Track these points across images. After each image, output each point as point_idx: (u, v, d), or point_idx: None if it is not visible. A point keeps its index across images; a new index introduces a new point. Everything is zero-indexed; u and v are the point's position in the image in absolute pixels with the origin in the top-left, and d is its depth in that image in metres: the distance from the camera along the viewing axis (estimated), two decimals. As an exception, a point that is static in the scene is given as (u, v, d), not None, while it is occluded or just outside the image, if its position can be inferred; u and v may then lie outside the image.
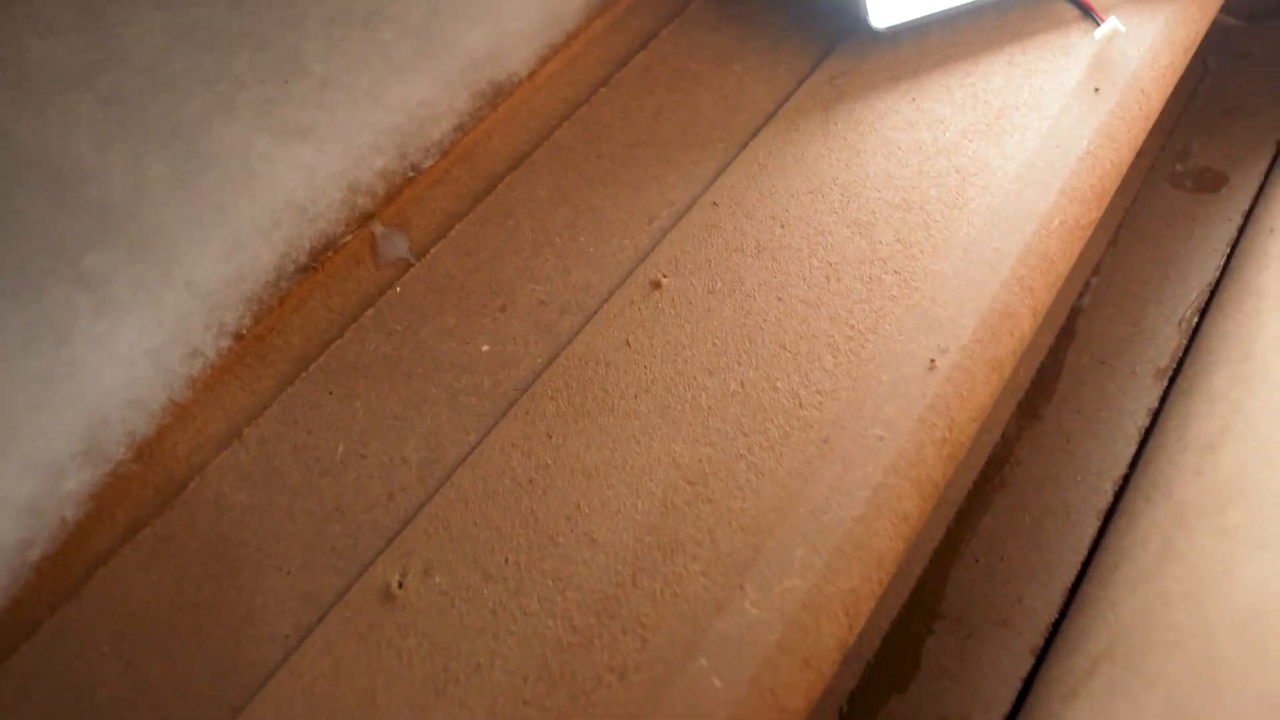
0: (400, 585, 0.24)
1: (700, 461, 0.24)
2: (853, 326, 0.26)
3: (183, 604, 0.24)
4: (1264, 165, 0.35)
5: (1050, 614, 0.26)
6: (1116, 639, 0.22)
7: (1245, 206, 0.34)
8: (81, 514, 0.24)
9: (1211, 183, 0.36)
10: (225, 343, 0.27)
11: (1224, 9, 0.43)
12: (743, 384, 0.26)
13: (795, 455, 0.24)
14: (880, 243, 0.28)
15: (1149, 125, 0.31)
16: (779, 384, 0.25)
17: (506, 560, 0.23)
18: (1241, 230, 0.33)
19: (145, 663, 0.23)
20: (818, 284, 0.27)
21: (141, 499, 0.26)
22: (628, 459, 0.25)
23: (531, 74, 0.33)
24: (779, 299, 0.27)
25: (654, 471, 0.24)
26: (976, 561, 0.26)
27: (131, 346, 0.25)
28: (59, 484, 0.24)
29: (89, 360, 0.24)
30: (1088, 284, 0.36)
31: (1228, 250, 0.33)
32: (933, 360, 0.25)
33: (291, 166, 0.27)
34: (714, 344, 0.26)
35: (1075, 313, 0.35)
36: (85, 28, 0.30)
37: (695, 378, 0.26)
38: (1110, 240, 0.37)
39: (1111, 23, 0.31)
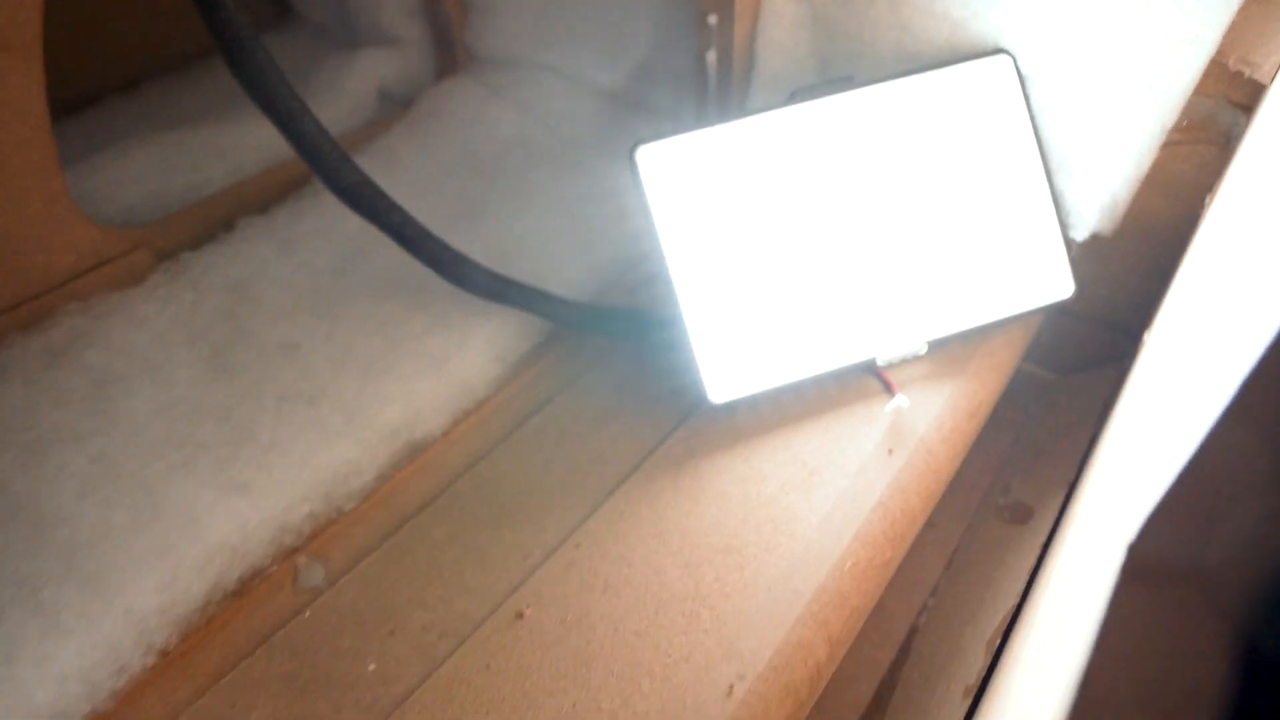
0: None
1: (530, 779, 0.28)
2: (670, 655, 0.31)
3: None
4: (1059, 502, 0.42)
5: None
6: None
7: (1043, 539, 0.40)
8: (-10, 824, 0.28)
9: (1022, 516, 0.43)
10: (151, 659, 0.32)
11: (1040, 364, 0.53)
12: (574, 705, 0.30)
13: (603, 774, 0.28)
14: (703, 582, 0.33)
15: (940, 480, 0.38)
16: (603, 705, 0.30)
17: None
18: (1038, 560, 0.39)
19: None
20: (647, 617, 0.32)
21: (46, 810, 0.29)
22: (468, 776, 0.29)
23: (444, 434, 0.41)
24: (615, 630, 0.32)
25: (489, 788, 0.28)
26: None
27: (66, 666, 0.30)
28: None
29: (27, 678, 0.29)
30: (925, 605, 0.41)
31: (1029, 576, 0.39)
32: (731, 686, 0.30)
33: (227, 516, 0.34)
34: (556, 669, 0.31)
35: (913, 631, 0.40)
36: (91, 398, 0.39)
37: (537, 699, 0.30)
38: (946, 565, 0.42)
39: (898, 398, 0.39)
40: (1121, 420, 0.35)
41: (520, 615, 0.33)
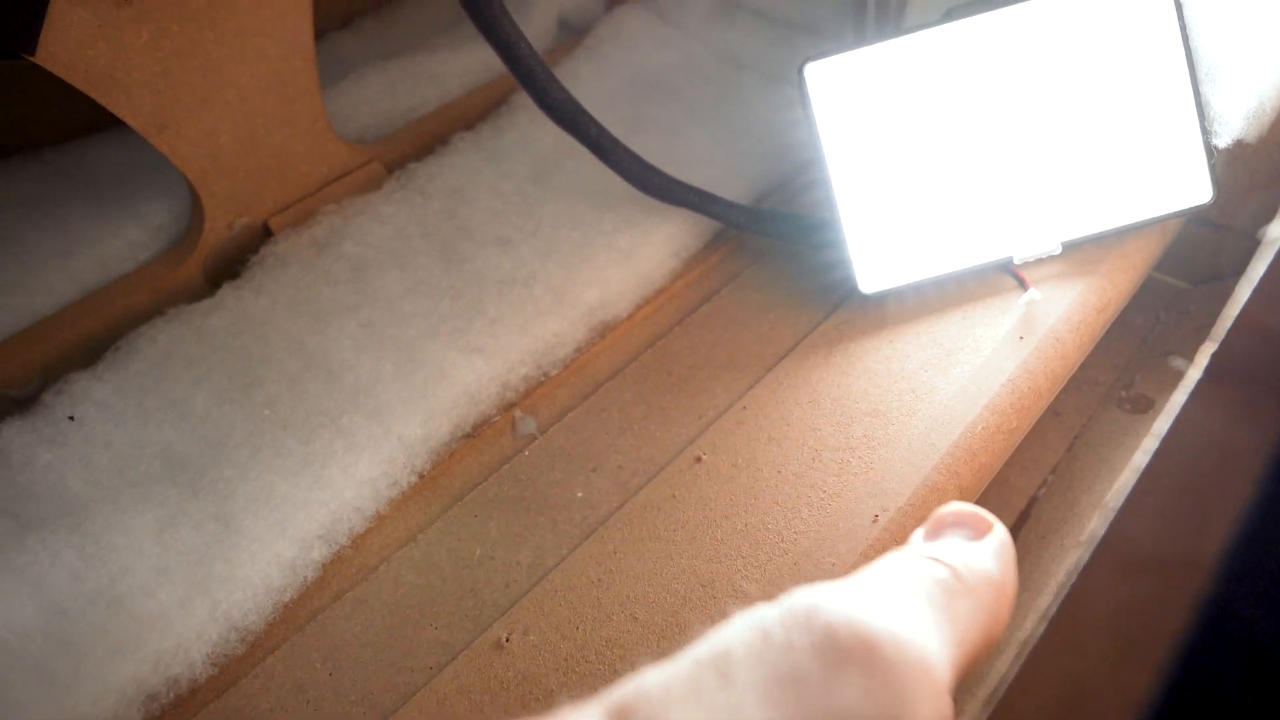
0: (508, 640, 0.36)
1: (712, 574, 0.36)
2: (824, 491, 0.38)
3: (367, 641, 0.37)
4: (1178, 396, 0.45)
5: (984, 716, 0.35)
6: None
7: (1165, 426, 0.44)
8: (314, 577, 0.38)
9: (1142, 406, 0.46)
10: (413, 478, 0.42)
11: (1171, 273, 0.55)
12: (746, 525, 0.38)
13: (773, 571, 0.35)
14: (852, 437, 0.40)
15: (1068, 365, 0.43)
16: (769, 526, 0.37)
17: (576, 628, 0.35)
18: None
19: (340, 674, 0.36)
20: (805, 462, 0.39)
21: (349, 574, 0.39)
22: (664, 569, 0.37)
23: (629, 316, 0.48)
24: (778, 471, 0.39)
25: (681, 578, 0.36)
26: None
27: (362, 474, 0.40)
28: (308, 554, 0.38)
29: (337, 480, 0.39)
30: (1045, 480, 0.46)
31: (1148, 458, 0.43)
32: (876, 516, 0.36)
33: (469, 371, 0.43)
34: (730, 499, 0.39)
35: (1033, 501, 0.45)
36: (354, 280, 0.48)
37: (715, 520, 0.38)
38: (1068, 448, 0.47)
39: (1031, 292, 0.43)
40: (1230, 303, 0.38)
41: (699, 460, 0.41)
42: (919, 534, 0.24)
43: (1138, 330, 0.52)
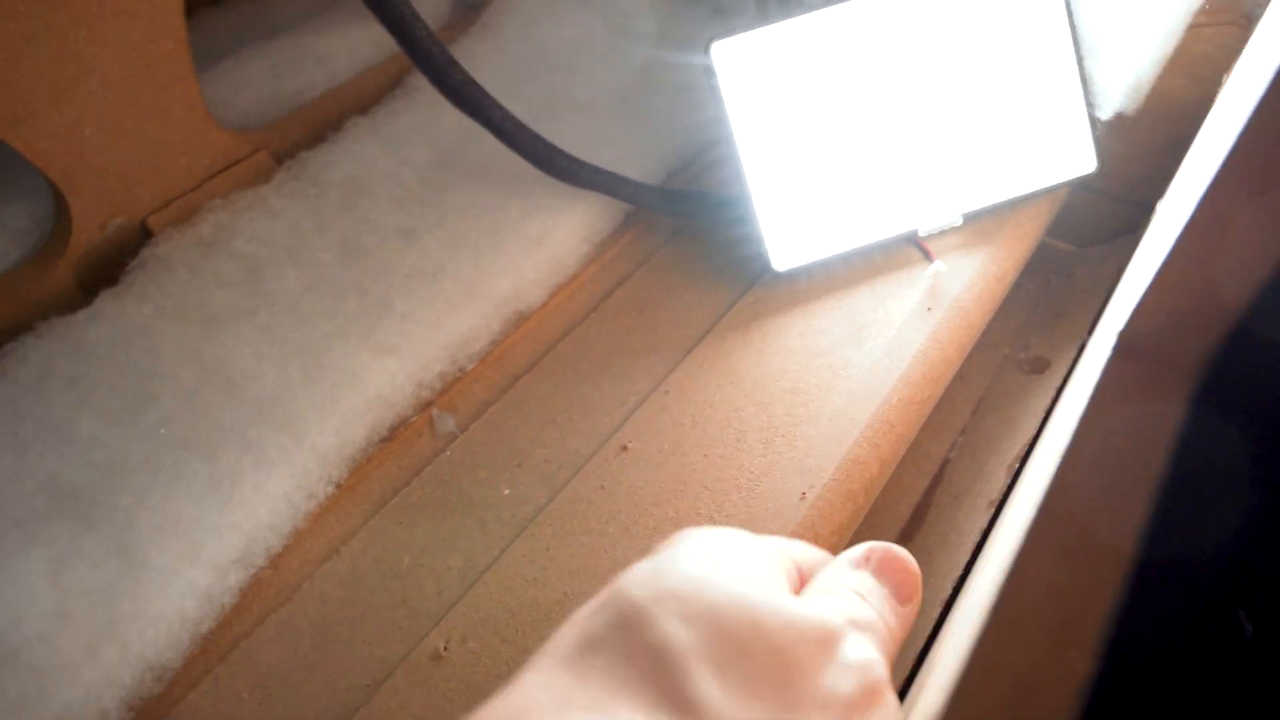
0: (445, 649, 0.35)
1: (647, 564, 0.36)
2: (751, 473, 0.38)
3: (297, 664, 0.35)
4: (1072, 356, 0.48)
5: (903, 674, 0.36)
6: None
7: (1058, 384, 0.47)
8: (232, 603, 0.36)
9: (1040, 367, 0.49)
10: (330, 489, 0.40)
11: (1060, 237, 0.58)
12: (677, 513, 0.38)
13: (707, 557, 0.35)
14: (774, 415, 0.40)
15: (972, 333, 0.45)
16: (700, 511, 0.37)
17: (516, 631, 0.35)
18: (1054, 400, 0.46)
19: (271, 702, 0.34)
20: (730, 444, 0.40)
21: (270, 595, 0.38)
22: (598, 563, 0.36)
23: (544, 304, 0.47)
24: (705, 455, 0.40)
25: (616, 570, 0.36)
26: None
27: (275, 490, 0.38)
28: (224, 580, 0.36)
29: (249, 499, 0.37)
30: (955, 443, 0.48)
31: (1044, 414, 0.45)
32: (803, 493, 0.37)
33: (381, 373, 0.41)
34: (659, 487, 0.39)
35: (945, 464, 0.47)
36: (247, 281, 0.45)
37: (646, 509, 0.38)
38: (973, 410, 0.49)
39: (937, 264, 0.45)
40: (1131, 276, 0.40)
41: (625, 448, 0.41)
42: (847, 557, 0.24)
43: (1030, 294, 0.54)
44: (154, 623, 0.34)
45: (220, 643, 0.36)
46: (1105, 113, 0.46)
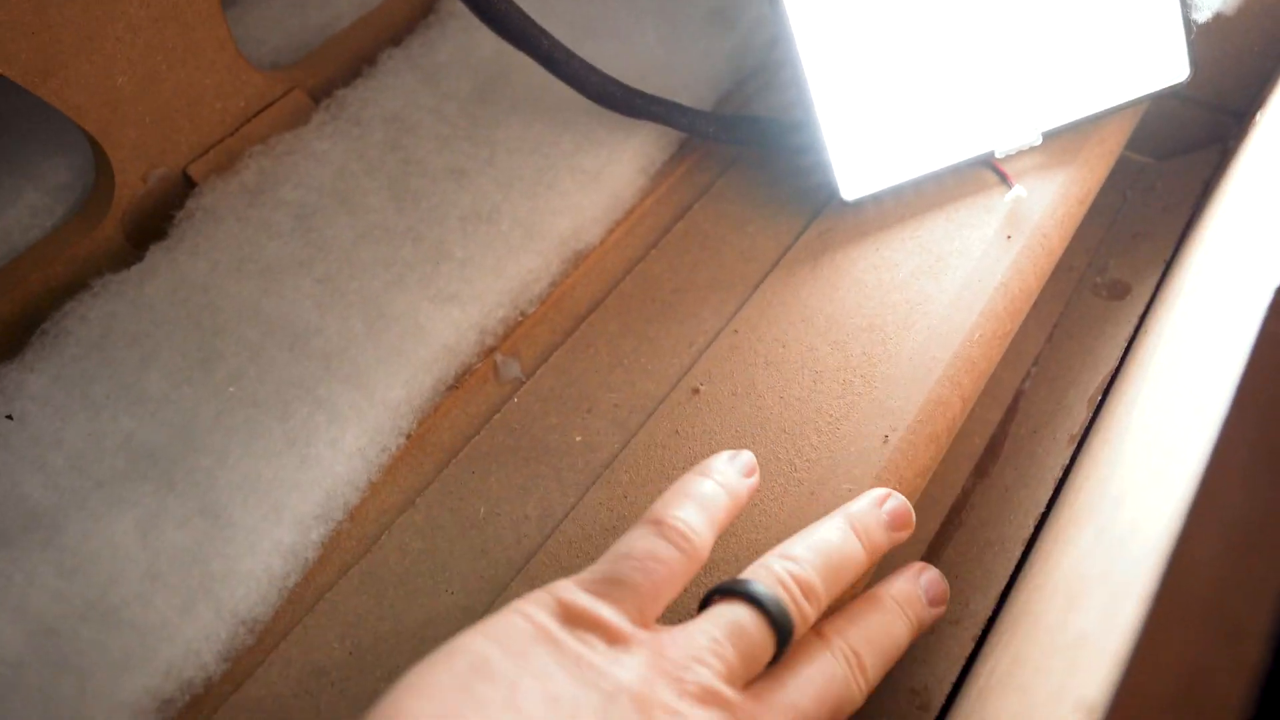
0: (530, 600, 0.35)
1: (729, 511, 0.36)
2: (830, 415, 0.37)
3: (383, 615, 0.36)
4: (1155, 279, 0.46)
5: (986, 613, 0.36)
6: (1011, 622, 0.32)
7: (1140, 311, 0.45)
8: (316, 556, 0.37)
9: (1120, 293, 0.47)
10: (401, 440, 0.40)
11: (1138, 149, 0.55)
12: (757, 458, 0.37)
13: (791, 503, 0.35)
14: (851, 355, 0.39)
15: (1053, 260, 0.43)
16: (780, 456, 0.37)
17: (600, 581, 0.35)
18: (1136, 330, 0.44)
19: (361, 651, 0.35)
20: (807, 386, 0.39)
21: (351, 547, 0.38)
22: (679, 511, 0.36)
23: (602, 242, 0.46)
24: (780, 398, 0.39)
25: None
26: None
27: (350, 446, 0.37)
28: (307, 535, 0.36)
29: (325, 456, 0.37)
30: (1029, 372, 0.47)
31: (1126, 345, 0.44)
32: (886, 436, 0.36)
33: (444, 321, 0.40)
34: (736, 430, 0.38)
35: (1019, 394, 0.46)
36: (299, 230, 0.44)
37: (724, 454, 0.37)
38: (1047, 338, 0.48)
39: (1016, 189, 0.42)
40: (1232, 197, 0.38)
41: (696, 391, 0.40)
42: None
43: (1106, 211, 0.52)
44: (244, 580, 0.34)
45: (306, 594, 0.36)
46: (1203, 14, 0.42)
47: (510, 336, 0.43)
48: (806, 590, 0.29)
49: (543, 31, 0.42)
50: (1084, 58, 0.43)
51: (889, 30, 0.41)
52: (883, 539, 0.32)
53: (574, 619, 0.26)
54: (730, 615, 0.27)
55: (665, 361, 0.42)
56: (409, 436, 0.40)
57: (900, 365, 0.38)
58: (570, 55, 0.43)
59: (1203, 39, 0.43)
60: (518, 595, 0.35)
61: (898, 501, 0.33)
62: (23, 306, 0.43)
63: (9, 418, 0.38)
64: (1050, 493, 0.39)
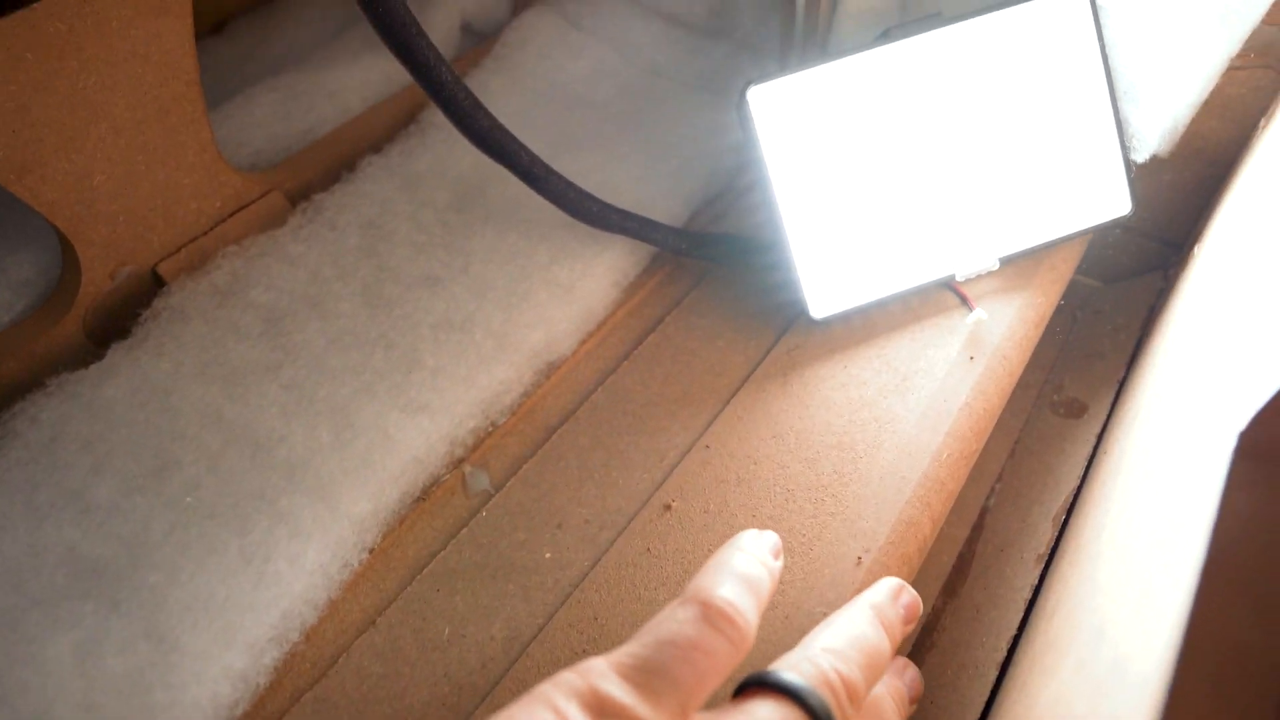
0: (494, 730, 0.33)
1: (702, 635, 0.35)
2: (804, 536, 0.37)
3: (338, 749, 0.34)
4: (1110, 399, 0.47)
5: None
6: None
7: (1098, 430, 0.46)
8: (267, 682, 0.35)
9: (1077, 411, 0.49)
10: (364, 555, 0.38)
11: (1086, 273, 0.58)
12: (730, 578, 0.37)
13: (765, 626, 0.34)
14: (822, 474, 0.40)
15: (1014, 380, 0.44)
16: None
17: (569, 710, 0.34)
18: (1095, 449, 0.45)
19: (315, 792, 0.33)
20: (779, 504, 0.39)
21: (305, 671, 0.36)
22: (651, 634, 0.35)
23: (574, 353, 0.46)
24: (753, 516, 0.39)
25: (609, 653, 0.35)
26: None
27: (311, 562, 0.36)
28: (259, 659, 0.34)
29: (284, 574, 0.35)
30: (993, 489, 0.47)
31: (1086, 463, 0.45)
32: (859, 558, 0.36)
33: (414, 432, 0.40)
34: (709, 548, 0.38)
35: (984, 511, 0.46)
36: (268, 334, 0.44)
37: (695, 574, 0.37)
38: (1010, 454, 0.49)
39: (978, 312, 0.44)
40: (1180, 322, 0.40)
41: (668, 507, 0.40)
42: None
43: (1059, 331, 0.54)
44: (189, 710, 0.32)
45: (254, 724, 0.34)
46: (1141, 155, 0.45)
47: (480, 448, 0.42)
48: (853, 693, 0.26)
49: (522, 146, 0.43)
50: (1037, 191, 0.45)
51: (857, 158, 0.43)
52: (899, 634, 0.31)
53: (609, 713, 0.23)
54: (773, 715, 0.24)
55: (636, 476, 0.41)
56: (372, 551, 0.39)
57: (871, 485, 0.38)
58: (549, 171, 0.44)
59: (1142, 176, 0.46)
60: (481, 725, 0.34)
61: (911, 596, 0.32)
62: (-29, 405, 0.41)
63: (-56, 526, 0.36)
64: (1021, 614, 0.40)
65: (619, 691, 0.23)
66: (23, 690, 0.31)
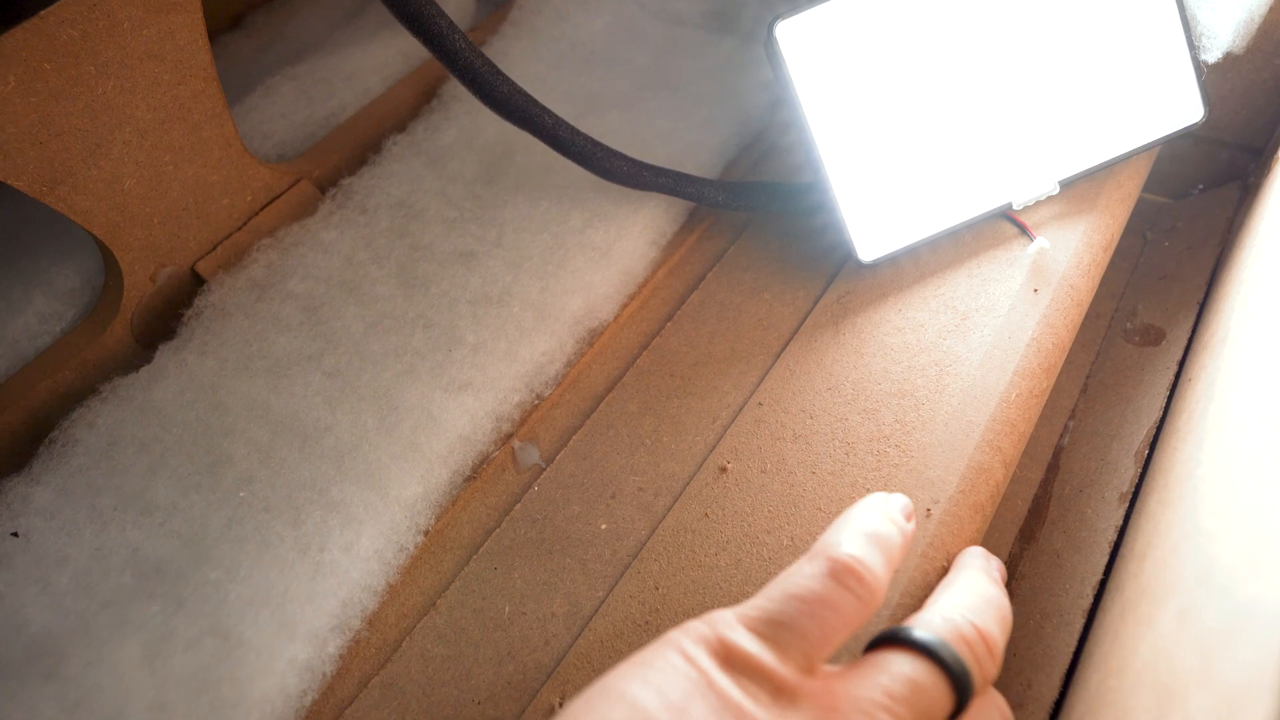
0: (560, 704, 0.33)
1: (767, 598, 0.34)
2: (867, 490, 0.36)
3: (409, 732, 0.34)
4: (1190, 323, 0.44)
5: (1052, 695, 0.34)
6: (1086, 711, 0.29)
7: (1179, 357, 0.43)
8: (334, 670, 0.35)
9: (1154, 338, 0.46)
10: (419, 538, 0.38)
11: (1153, 190, 0.54)
12: (792, 539, 0.35)
13: (833, 588, 0.33)
14: (883, 424, 0.38)
15: (1082, 311, 0.41)
16: (817, 535, 0.35)
17: (635, 682, 0.33)
18: (1177, 377, 0.42)
19: (389, 776, 0.33)
20: (839, 459, 0.37)
21: (371, 657, 0.36)
22: (713, 599, 0.34)
23: (616, 318, 0.45)
24: (812, 473, 0.37)
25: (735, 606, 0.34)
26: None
27: (366, 549, 0.36)
28: (323, 649, 0.34)
29: (340, 562, 0.35)
30: (1066, 426, 0.45)
31: (1168, 393, 0.42)
32: (928, 510, 0.34)
33: (459, 411, 0.39)
34: (769, 511, 0.36)
35: (1059, 451, 0.44)
36: (308, 322, 0.43)
37: (758, 537, 0.36)
38: (1082, 389, 0.46)
39: (1039, 240, 0.41)
40: (1266, 234, 0.37)
41: (724, 470, 0.38)
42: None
43: (1127, 255, 0.51)
44: (258, 704, 0.32)
45: (324, 712, 0.34)
46: (1213, 54, 0.41)
47: (527, 421, 0.42)
48: (990, 647, 0.26)
49: (545, 110, 0.42)
50: (1097, 104, 0.42)
51: (897, 87, 0.41)
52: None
53: (737, 664, 0.23)
54: (908, 671, 0.24)
55: (689, 439, 0.40)
56: (427, 533, 0.38)
57: (936, 432, 0.36)
58: (575, 132, 0.43)
59: (1215, 78, 0.43)
60: (549, 702, 0.33)
61: (998, 561, 0.32)
62: (31, 415, 0.42)
63: (14, 535, 0.37)
64: (1106, 557, 0.37)
65: (746, 641, 0.23)
66: (97, 692, 0.31)
